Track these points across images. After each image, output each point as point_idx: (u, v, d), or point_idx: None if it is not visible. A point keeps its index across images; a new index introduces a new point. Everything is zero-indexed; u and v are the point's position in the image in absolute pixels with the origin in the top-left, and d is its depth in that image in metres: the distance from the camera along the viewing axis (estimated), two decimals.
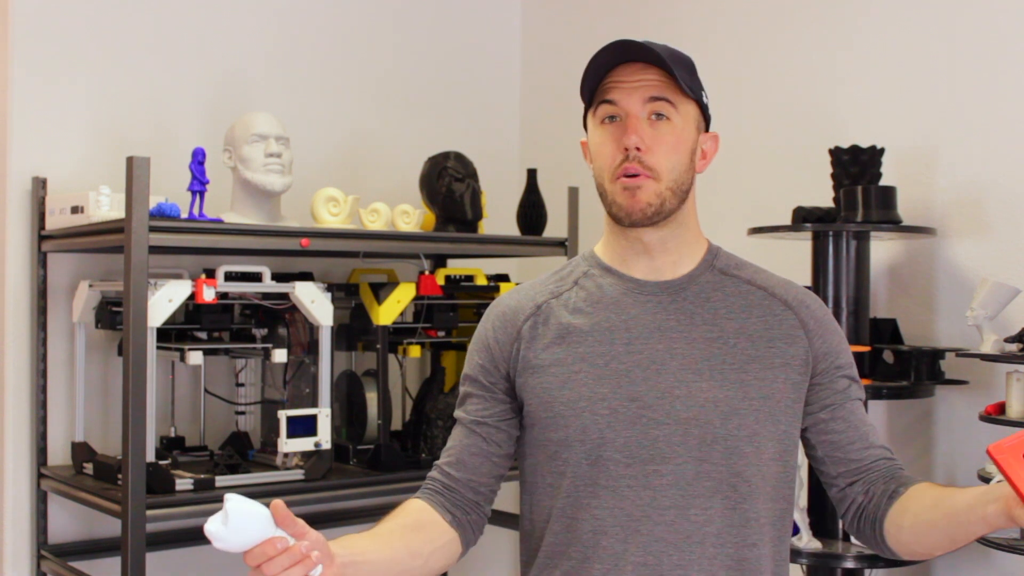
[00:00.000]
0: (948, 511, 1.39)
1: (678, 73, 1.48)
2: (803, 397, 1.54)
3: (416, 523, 1.53)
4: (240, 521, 1.25)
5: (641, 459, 1.47)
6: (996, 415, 2.44)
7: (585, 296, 1.57)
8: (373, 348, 3.04)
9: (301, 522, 1.30)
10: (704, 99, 1.56)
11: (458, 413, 1.63)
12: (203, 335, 2.95)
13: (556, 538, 1.52)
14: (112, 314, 2.76)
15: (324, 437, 2.77)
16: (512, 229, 3.32)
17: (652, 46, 1.49)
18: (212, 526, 1.26)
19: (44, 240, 2.87)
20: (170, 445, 2.96)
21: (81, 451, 2.84)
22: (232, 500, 1.26)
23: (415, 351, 3.15)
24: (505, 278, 3.26)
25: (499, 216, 3.40)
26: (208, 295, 2.62)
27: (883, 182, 2.73)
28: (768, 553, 1.50)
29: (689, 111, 1.53)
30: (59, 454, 2.93)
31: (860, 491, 1.53)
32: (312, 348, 2.88)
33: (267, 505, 1.29)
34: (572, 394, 1.50)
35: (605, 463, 1.48)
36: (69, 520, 2.96)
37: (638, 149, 1.48)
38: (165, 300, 2.54)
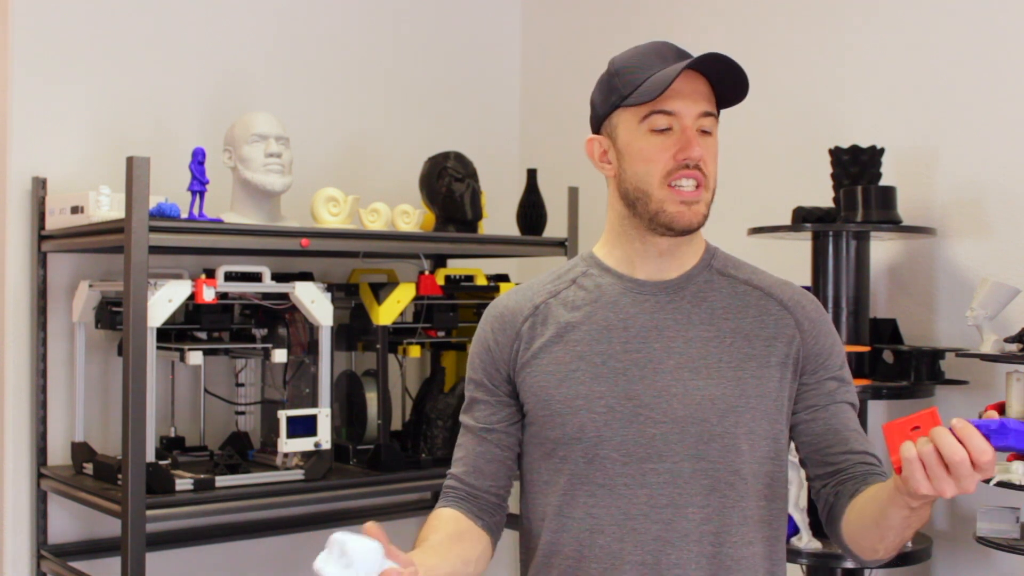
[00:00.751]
0: (874, 494, 1.39)
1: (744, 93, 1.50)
2: (794, 397, 1.54)
3: (458, 532, 1.54)
4: (360, 554, 1.22)
5: (638, 457, 1.47)
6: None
7: (584, 295, 1.57)
8: (373, 348, 3.04)
9: (395, 548, 1.29)
10: None
11: (466, 419, 1.62)
12: (203, 335, 2.95)
13: (553, 536, 1.52)
14: (112, 314, 2.76)
15: (324, 437, 2.77)
16: (512, 229, 3.32)
17: (730, 60, 1.47)
18: (332, 570, 1.21)
19: (44, 240, 2.88)
20: (170, 445, 2.96)
21: (81, 451, 2.84)
22: (350, 540, 1.22)
23: (415, 351, 3.15)
24: (505, 278, 3.26)
25: (499, 216, 3.40)
26: (208, 295, 2.62)
27: (883, 182, 2.73)
28: (762, 551, 1.51)
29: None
30: (59, 454, 2.93)
31: (831, 493, 1.52)
32: (312, 348, 2.88)
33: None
34: (569, 392, 1.50)
35: (602, 461, 1.48)
36: (69, 520, 2.96)
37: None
38: (165, 300, 2.54)
